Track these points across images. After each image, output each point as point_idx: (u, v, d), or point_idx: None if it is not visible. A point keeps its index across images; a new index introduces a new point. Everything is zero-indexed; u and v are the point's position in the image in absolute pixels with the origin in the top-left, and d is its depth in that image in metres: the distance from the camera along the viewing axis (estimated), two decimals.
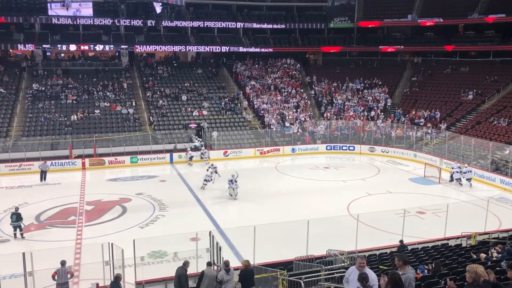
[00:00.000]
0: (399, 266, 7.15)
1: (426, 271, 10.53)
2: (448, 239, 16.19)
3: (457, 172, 25.74)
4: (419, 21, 41.28)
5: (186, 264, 11.50)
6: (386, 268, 10.97)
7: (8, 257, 12.48)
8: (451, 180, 25.93)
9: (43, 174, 26.73)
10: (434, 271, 10.30)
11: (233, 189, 23.11)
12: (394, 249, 14.36)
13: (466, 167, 25.87)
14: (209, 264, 11.51)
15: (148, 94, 37.43)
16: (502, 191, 24.64)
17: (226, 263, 11.00)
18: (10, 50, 40.50)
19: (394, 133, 34.45)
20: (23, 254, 11.91)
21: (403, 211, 17.05)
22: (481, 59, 39.98)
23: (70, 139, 30.86)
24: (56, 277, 12.06)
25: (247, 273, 10.86)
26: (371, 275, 7.01)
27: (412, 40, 43.86)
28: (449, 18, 40.16)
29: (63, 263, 12.33)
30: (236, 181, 23.20)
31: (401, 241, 14.69)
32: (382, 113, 37.95)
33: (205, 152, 31.35)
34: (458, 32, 42.29)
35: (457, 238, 16.12)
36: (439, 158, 30.02)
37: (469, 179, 25.31)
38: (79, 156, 29.92)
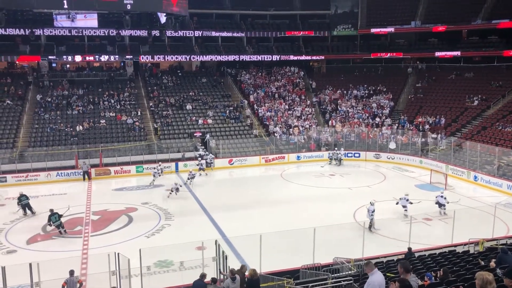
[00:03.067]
0: (401, 274, 7.20)
1: (433, 278, 10.45)
2: (456, 245, 16.08)
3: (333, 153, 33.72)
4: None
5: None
6: (393, 275, 10.90)
7: (15, 267, 12.50)
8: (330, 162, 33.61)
9: (85, 174, 29.02)
10: (442, 278, 10.22)
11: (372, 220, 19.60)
12: (401, 257, 14.28)
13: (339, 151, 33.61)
14: (214, 281, 11.45)
15: (151, 104, 37.63)
16: (509, 196, 24.47)
17: (232, 272, 10.99)
18: (17, 62, 40.89)
19: (394, 145, 34.31)
20: (30, 264, 11.96)
21: (409, 218, 16.98)
22: (486, 64, 39.91)
23: (76, 150, 31.02)
24: (65, 287, 12.07)
25: (253, 282, 10.84)
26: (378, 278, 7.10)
27: (416, 46, 43.87)
28: (452, 24, 40.17)
29: (71, 272, 12.36)
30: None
31: (409, 249, 14.60)
32: (387, 119, 37.91)
33: (208, 159, 31.50)
34: (462, 38, 42.28)
35: (465, 244, 16.00)
36: (445, 164, 29.90)
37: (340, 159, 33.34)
38: None
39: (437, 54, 41.29)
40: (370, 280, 7.53)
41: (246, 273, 11.39)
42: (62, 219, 19.55)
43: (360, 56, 45.32)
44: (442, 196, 21.43)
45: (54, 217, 19.29)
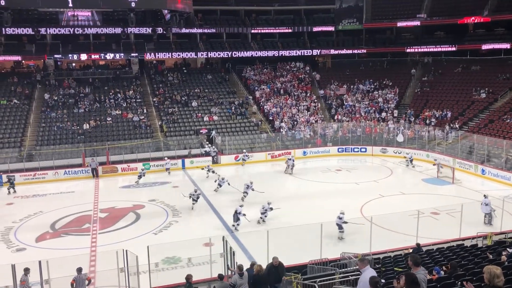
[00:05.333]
0: (410, 267, 7.20)
1: (442, 272, 10.43)
2: (464, 239, 16.02)
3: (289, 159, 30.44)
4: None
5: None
6: (401, 270, 10.89)
7: (24, 265, 12.61)
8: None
9: (94, 171, 29.16)
10: (450, 272, 10.20)
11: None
12: (408, 251, 14.25)
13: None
14: (220, 277, 11.49)
15: (154, 99, 37.84)
16: None
17: (240, 267, 11.01)
18: (23, 61, 41.09)
19: (402, 138, 34.14)
20: (39, 262, 12.06)
21: (417, 212, 16.93)
22: (492, 57, 39.56)
23: (83, 148, 31.19)
24: (74, 285, 12.16)
25: (260, 278, 10.85)
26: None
27: (422, 40, 43.56)
28: (458, 17, 39.76)
29: (79, 270, 12.44)
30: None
31: (417, 244, 14.56)
32: (395, 110, 37.84)
33: (215, 154, 31.68)
34: (468, 31, 41.94)
35: (473, 238, 15.93)
36: (452, 158, 29.75)
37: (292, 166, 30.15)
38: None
39: (484, 47, 39.12)
40: (363, 277, 7.39)
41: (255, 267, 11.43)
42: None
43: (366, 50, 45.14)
44: None
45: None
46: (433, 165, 28.96)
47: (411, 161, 30.64)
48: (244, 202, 22.26)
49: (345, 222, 17.70)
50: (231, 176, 30.08)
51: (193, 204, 22.29)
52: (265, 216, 19.80)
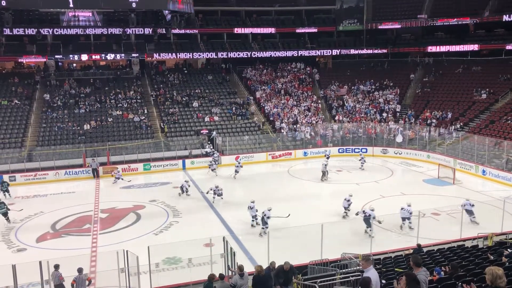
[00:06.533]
0: (412, 268, 7.23)
1: (442, 273, 10.42)
2: (464, 240, 16.01)
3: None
4: None
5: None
6: (402, 270, 10.88)
7: (25, 265, 12.61)
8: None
9: (95, 172, 29.18)
10: (450, 273, 10.19)
11: None
12: (409, 252, 14.24)
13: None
14: (221, 277, 11.49)
15: (152, 94, 37.91)
16: None
17: (241, 268, 11.01)
18: (24, 62, 41.10)
19: (401, 139, 34.09)
20: (40, 262, 12.05)
21: (417, 212, 16.93)
22: (493, 57, 39.53)
23: (83, 148, 31.20)
24: (75, 285, 12.16)
25: (261, 278, 10.85)
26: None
27: (423, 40, 43.52)
28: (460, 17, 39.69)
29: (80, 270, 12.45)
30: None
31: (418, 245, 14.56)
32: (396, 106, 37.91)
33: (216, 157, 31.54)
34: (469, 31, 41.91)
35: (474, 239, 15.92)
36: (452, 159, 29.73)
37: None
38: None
39: (508, 47, 37.58)
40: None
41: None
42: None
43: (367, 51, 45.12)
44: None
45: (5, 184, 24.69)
46: (359, 159, 30.50)
47: (363, 161, 30.43)
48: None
49: None
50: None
51: (214, 198, 23.53)
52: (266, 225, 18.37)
